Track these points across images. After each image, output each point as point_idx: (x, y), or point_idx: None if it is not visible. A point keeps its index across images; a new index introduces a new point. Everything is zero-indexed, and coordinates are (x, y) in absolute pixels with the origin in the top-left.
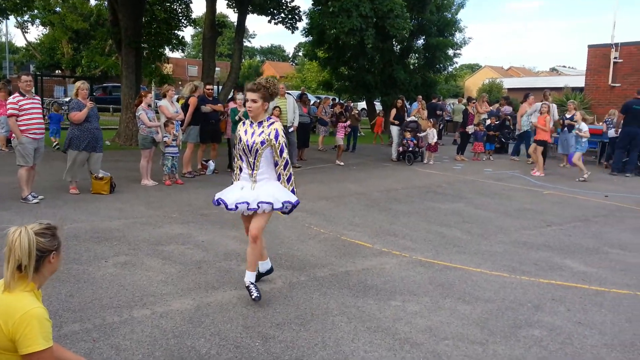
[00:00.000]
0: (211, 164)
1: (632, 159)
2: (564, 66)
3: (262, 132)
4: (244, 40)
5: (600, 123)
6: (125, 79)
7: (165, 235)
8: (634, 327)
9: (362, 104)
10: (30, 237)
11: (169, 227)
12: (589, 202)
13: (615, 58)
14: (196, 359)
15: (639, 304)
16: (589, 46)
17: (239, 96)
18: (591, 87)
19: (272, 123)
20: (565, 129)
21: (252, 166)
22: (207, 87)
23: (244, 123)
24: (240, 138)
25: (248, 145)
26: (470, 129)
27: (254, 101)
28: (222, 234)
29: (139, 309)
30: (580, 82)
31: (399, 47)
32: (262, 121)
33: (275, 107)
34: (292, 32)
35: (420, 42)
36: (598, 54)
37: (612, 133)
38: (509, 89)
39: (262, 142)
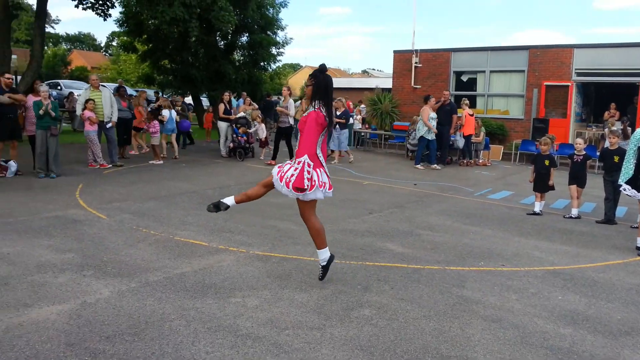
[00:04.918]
0: (12, 165)
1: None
2: (374, 69)
3: None
4: (46, 25)
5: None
6: None
7: None
8: (445, 297)
9: (189, 99)
10: None
11: None
12: (402, 191)
13: (415, 63)
14: None
15: (447, 277)
16: (394, 52)
17: (42, 88)
18: (397, 88)
19: None
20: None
21: None
22: (6, 76)
23: None
24: None
25: None
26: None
27: None
28: (32, 244)
29: None
30: (389, 83)
31: (223, 42)
32: None
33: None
34: (105, 20)
35: (244, 38)
36: (402, 58)
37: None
38: None
39: None
